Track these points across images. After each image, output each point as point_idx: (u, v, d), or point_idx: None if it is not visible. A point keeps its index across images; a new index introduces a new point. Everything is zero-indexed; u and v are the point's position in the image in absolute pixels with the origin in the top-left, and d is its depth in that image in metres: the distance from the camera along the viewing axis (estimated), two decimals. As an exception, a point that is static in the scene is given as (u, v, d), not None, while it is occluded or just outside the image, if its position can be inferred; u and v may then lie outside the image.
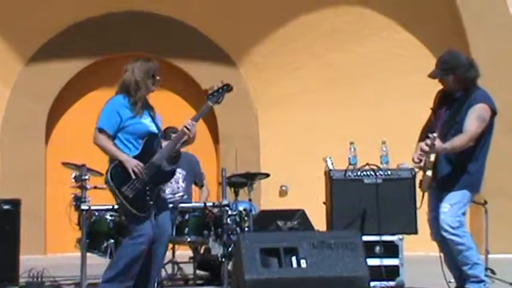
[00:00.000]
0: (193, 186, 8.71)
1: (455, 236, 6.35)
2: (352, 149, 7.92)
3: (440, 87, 6.69)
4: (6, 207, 7.32)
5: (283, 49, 12.49)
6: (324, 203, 7.93)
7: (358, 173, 7.76)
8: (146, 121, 6.26)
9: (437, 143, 6.13)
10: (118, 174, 6.08)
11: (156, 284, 6.90)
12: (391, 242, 7.66)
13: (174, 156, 8.09)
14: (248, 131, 12.61)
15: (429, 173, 6.40)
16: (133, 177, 6.05)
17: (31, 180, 12.02)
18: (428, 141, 6.13)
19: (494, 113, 6.47)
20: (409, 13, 12.10)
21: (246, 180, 8.01)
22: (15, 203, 7.52)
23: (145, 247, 6.04)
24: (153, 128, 6.26)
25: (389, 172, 7.77)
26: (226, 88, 6.42)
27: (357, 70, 12.36)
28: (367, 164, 7.80)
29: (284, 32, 12.44)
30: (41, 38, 12.15)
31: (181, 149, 8.50)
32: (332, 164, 7.90)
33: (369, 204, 7.67)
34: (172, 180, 8.39)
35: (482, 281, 6.45)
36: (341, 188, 7.71)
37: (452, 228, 6.34)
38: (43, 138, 12.26)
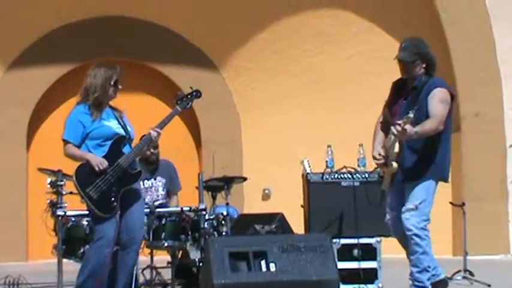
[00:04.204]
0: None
1: (416, 237, 6.32)
2: (330, 152, 7.92)
3: None
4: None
5: (264, 53, 12.50)
6: (302, 206, 7.93)
7: (336, 176, 7.76)
8: (111, 123, 6.27)
9: (408, 127, 6.06)
10: (84, 175, 6.11)
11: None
12: (369, 244, 7.66)
13: (150, 164, 8.12)
14: (230, 135, 12.61)
15: (395, 165, 6.32)
16: (97, 171, 6.04)
17: (12, 186, 11.99)
18: (399, 127, 6.04)
19: (452, 97, 6.46)
20: (389, 16, 12.11)
21: (223, 184, 7.99)
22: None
23: (108, 250, 6.04)
24: (120, 130, 6.26)
25: (366, 175, 7.76)
26: (195, 94, 6.50)
27: (338, 73, 12.37)
28: (344, 166, 7.81)
29: (265, 36, 12.44)
30: (21, 44, 12.13)
31: (160, 157, 8.61)
32: (309, 166, 7.89)
33: (346, 207, 7.67)
34: (153, 189, 8.42)
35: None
36: (318, 191, 7.71)
37: (417, 228, 6.31)
38: (24, 144, 12.23)
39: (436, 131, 6.28)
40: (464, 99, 11.37)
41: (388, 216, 6.59)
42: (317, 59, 12.40)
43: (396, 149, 6.29)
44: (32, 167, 11.99)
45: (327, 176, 7.74)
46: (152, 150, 8.31)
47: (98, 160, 6.10)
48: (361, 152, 7.96)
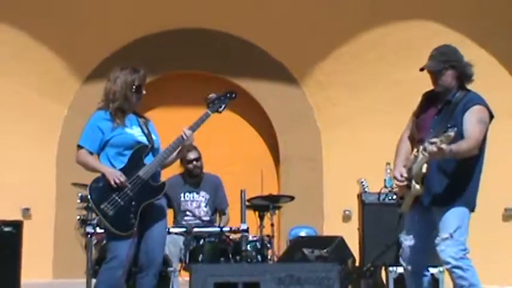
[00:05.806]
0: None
1: (458, 269, 5.61)
2: (388, 170, 7.29)
3: None
4: (7, 229, 6.98)
5: (347, 67, 11.95)
6: (358, 229, 7.32)
7: (394, 197, 7.10)
8: (133, 131, 5.82)
9: (445, 146, 5.35)
10: (99, 189, 5.65)
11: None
12: (431, 274, 6.92)
13: (193, 177, 7.60)
14: (310, 152, 12.07)
15: (418, 187, 5.60)
16: (115, 187, 5.59)
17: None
18: (434, 147, 5.35)
19: (491, 116, 5.74)
20: (481, 28, 11.36)
21: (269, 202, 7.43)
22: (17, 225, 7.17)
23: (120, 272, 5.54)
24: (143, 138, 5.80)
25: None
26: (229, 96, 5.95)
27: (425, 88, 11.64)
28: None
29: (348, 49, 11.89)
30: (98, 57, 11.97)
31: (204, 171, 8.13)
32: (367, 186, 7.29)
33: (405, 231, 6.98)
34: (194, 204, 7.90)
35: None
36: (374, 213, 7.10)
37: (455, 259, 5.61)
38: (99, 157, 12.03)
39: (471, 154, 5.57)
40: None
41: (405, 243, 5.83)
42: (402, 74, 11.72)
43: (424, 169, 5.56)
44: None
45: (384, 197, 7.09)
46: (195, 162, 7.85)
47: (114, 174, 5.65)
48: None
